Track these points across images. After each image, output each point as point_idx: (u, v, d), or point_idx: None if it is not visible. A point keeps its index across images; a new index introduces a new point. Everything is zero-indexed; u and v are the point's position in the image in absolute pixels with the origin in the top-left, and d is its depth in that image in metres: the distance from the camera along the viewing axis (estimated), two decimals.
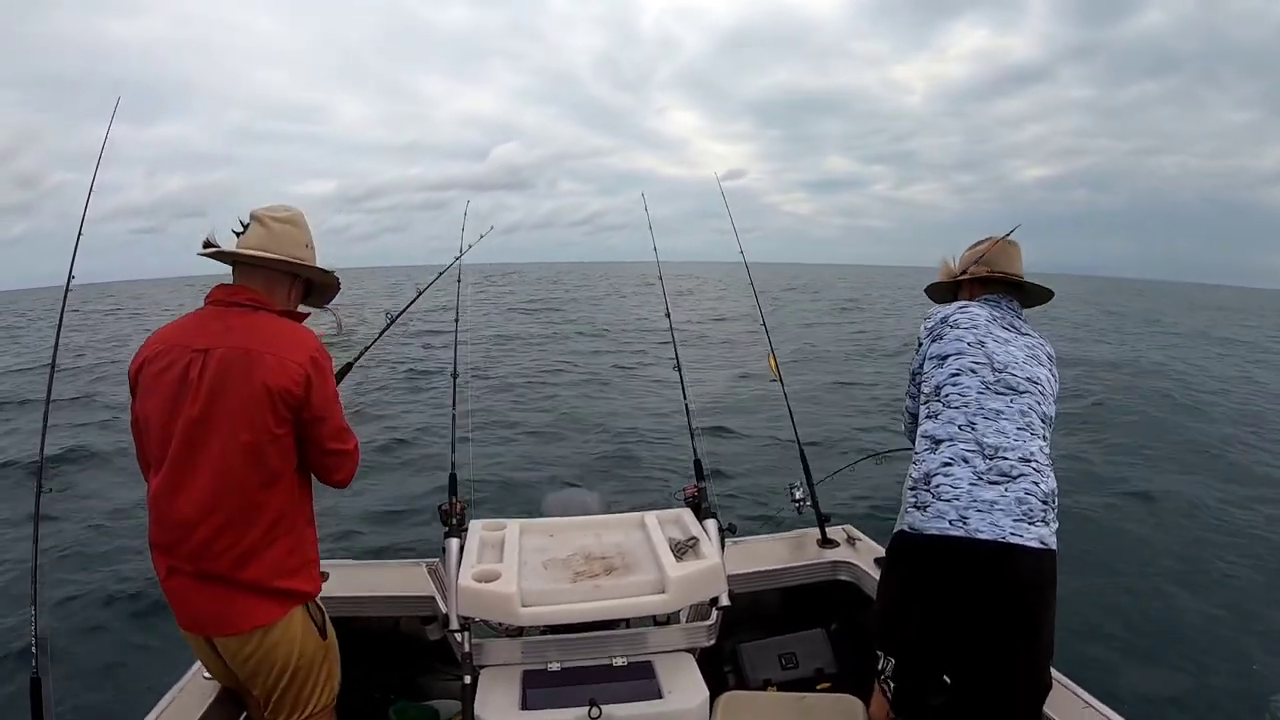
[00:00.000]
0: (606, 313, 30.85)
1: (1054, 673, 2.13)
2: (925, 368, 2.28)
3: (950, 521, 1.97)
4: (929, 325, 2.33)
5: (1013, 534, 1.92)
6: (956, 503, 1.98)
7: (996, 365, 2.14)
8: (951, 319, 2.27)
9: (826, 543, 3.13)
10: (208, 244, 2.03)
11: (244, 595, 1.97)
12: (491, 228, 3.65)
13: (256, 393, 1.90)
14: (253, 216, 2.04)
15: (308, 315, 2.18)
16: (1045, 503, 1.98)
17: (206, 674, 2.34)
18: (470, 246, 3.48)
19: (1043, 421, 2.11)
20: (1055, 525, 2.00)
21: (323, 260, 2.17)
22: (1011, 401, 2.09)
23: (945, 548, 1.97)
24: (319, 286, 2.23)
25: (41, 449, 2.52)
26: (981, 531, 1.93)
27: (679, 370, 3.42)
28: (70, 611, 5.46)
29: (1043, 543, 1.95)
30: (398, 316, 3.03)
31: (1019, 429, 2.06)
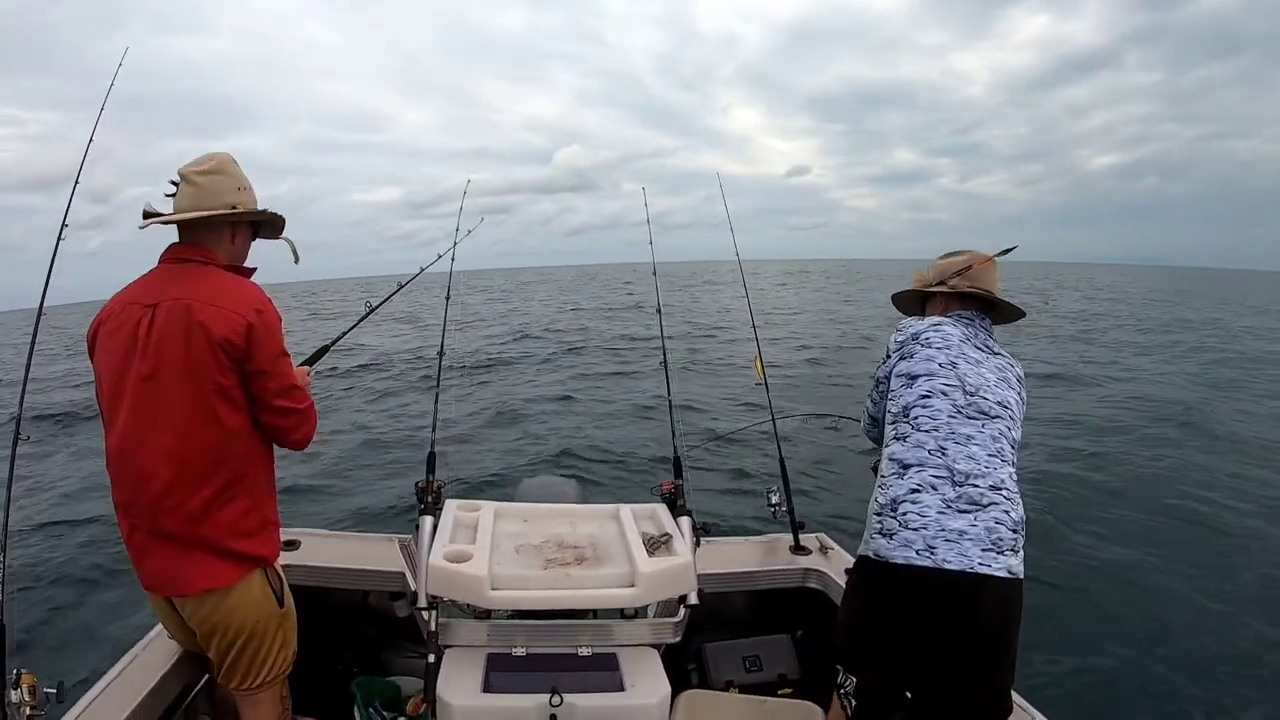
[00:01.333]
0: (699, 310, 30.61)
1: (1014, 697, 2.15)
2: (893, 385, 2.21)
3: (917, 551, 1.93)
4: (899, 339, 2.26)
5: (981, 564, 1.89)
6: (924, 532, 1.94)
7: (969, 388, 2.08)
8: (923, 336, 2.20)
9: (799, 549, 3.15)
10: (147, 214, 2.03)
11: (200, 555, 1.97)
12: (483, 219, 3.72)
13: (199, 343, 1.89)
14: (180, 175, 2.03)
15: (254, 271, 2.17)
16: (1015, 531, 1.95)
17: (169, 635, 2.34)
18: (455, 244, 3.51)
19: (1012, 447, 2.07)
20: (1022, 553, 1.97)
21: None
22: (983, 426, 2.04)
23: (910, 577, 1.94)
24: (267, 223, 2.22)
25: (21, 399, 2.50)
26: (949, 562, 1.90)
27: (665, 366, 3.43)
28: (39, 567, 5.45)
29: (1010, 572, 1.91)
30: (377, 306, 3.03)
31: (990, 455, 2.01)
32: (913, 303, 2.50)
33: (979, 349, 2.19)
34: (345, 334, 2.98)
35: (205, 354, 1.89)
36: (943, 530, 1.93)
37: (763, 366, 3.52)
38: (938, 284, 2.37)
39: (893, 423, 2.16)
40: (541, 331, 23.11)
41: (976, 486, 1.96)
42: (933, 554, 1.91)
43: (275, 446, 2.15)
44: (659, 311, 3.65)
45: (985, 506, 1.94)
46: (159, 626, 2.38)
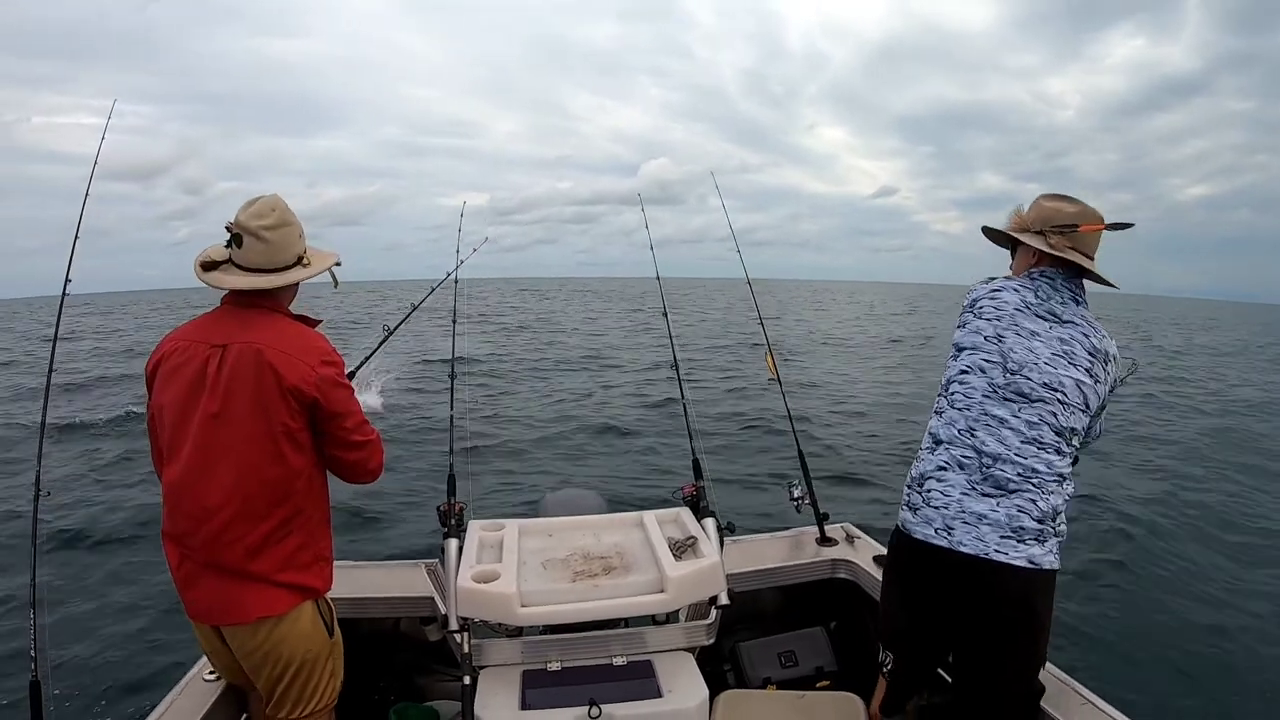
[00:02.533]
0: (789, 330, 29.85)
1: (1052, 670, 2.13)
2: (948, 355, 2.13)
3: (936, 530, 1.93)
4: (964, 305, 2.14)
5: (997, 551, 1.86)
6: (945, 511, 1.93)
7: (1010, 366, 1.96)
8: (979, 304, 2.07)
9: (825, 541, 3.13)
10: (206, 265, 2.03)
11: (254, 585, 1.99)
12: (486, 239, 3.72)
13: (269, 387, 1.93)
14: (244, 230, 2.00)
15: (319, 322, 2.19)
16: (1041, 521, 1.88)
17: (208, 675, 2.34)
18: (463, 261, 3.52)
19: (1057, 434, 1.93)
20: (1054, 543, 1.91)
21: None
22: (1020, 410, 1.93)
23: (929, 554, 1.94)
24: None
25: (39, 449, 2.51)
26: (964, 545, 1.88)
27: (676, 370, 3.43)
28: (72, 614, 5.46)
29: (1031, 562, 1.86)
30: (395, 328, 3.05)
31: (1024, 441, 1.92)
32: (1004, 241, 2.26)
33: (1042, 316, 2.00)
34: (367, 359, 2.99)
35: (275, 397, 1.93)
36: (963, 512, 1.91)
37: (774, 363, 3.52)
38: (1036, 231, 2.09)
39: (937, 397, 2.11)
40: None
41: (1004, 472, 1.90)
42: (950, 535, 1.91)
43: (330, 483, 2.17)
44: (665, 315, 3.65)
45: (1010, 493, 1.89)
46: (194, 669, 2.38)
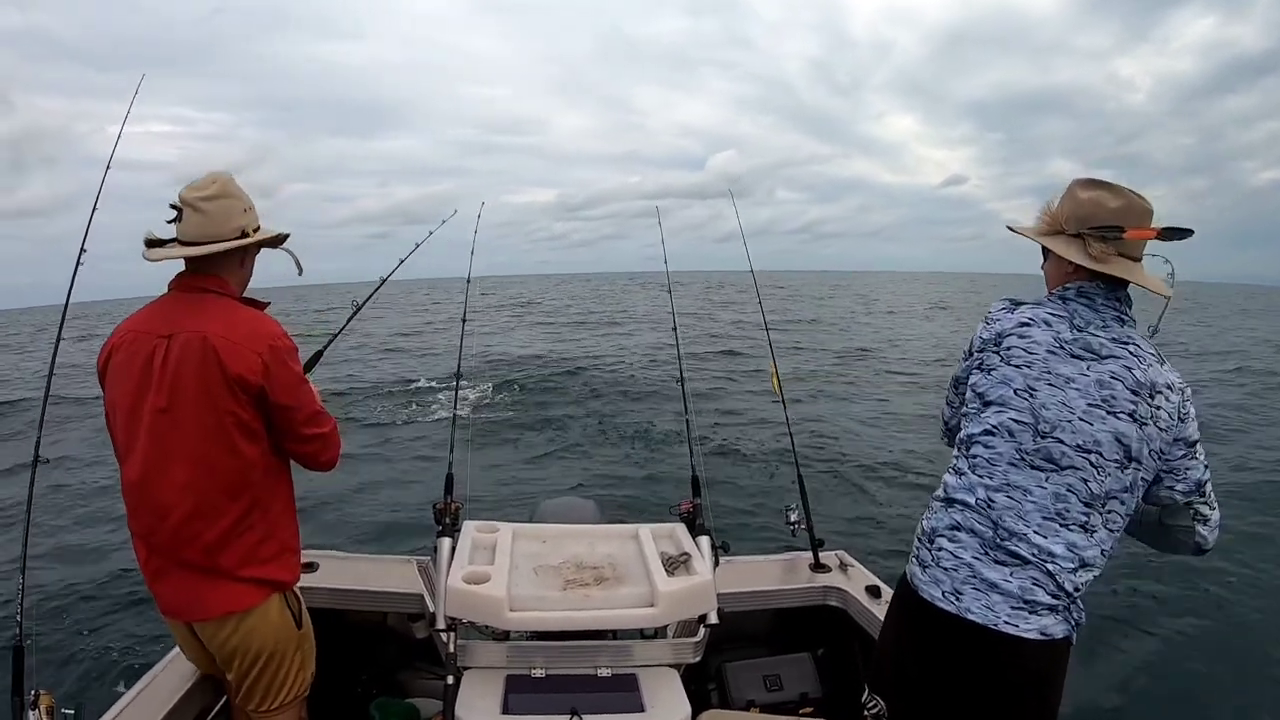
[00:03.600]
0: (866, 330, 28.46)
1: None
2: (967, 398, 1.90)
3: (944, 593, 1.79)
4: (983, 337, 1.88)
5: (1008, 623, 1.71)
6: (955, 574, 1.78)
7: (1042, 427, 1.73)
8: (1005, 344, 1.81)
9: (819, 567, 3.12)
10: (150, 242, 2.00)
11: (219, 581, 1.98)
12: (430, 232, 3.51)
13: (215, 377, 1.89)
14: (183, 202, 1.98)
15: (268, 305, 2.15)
16: (1056, 596, 1.71)
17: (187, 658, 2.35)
18: (473, 254, 3.51)
19: (1087, 505, 1.71)
20: (1071, 615, 1.75)
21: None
22: (1047, 479, 1.72)
23: (935, 616, 1.81)
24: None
25: (40, 422, 2.51)
26: (972, 613, 1.74)
27: (682, 384, 3.42)
28: (57, 590, 5.48)
29: (1043, 634, 1.71)
30: (362, 305, 3.01)
31: (1046, 518, 1.72)
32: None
33: (1078, 355, 1.74)
34: (334, 338, 2.98)
35: (221, 388, 1.89)
36: (974, 577, 1.76)
37: (779, 381, 3.50)
38: (1074, 234, 1.77)
39: (956, 449, 1.91)
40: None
41: (1019, 549, 1.73)
42: (958, 600, 1.76)
43: (293, 470, 2.15)
44: (674, 330, 3.64)
45: (1026, 563, 1.73)
46: (176, 649, 2.38)
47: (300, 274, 2.31)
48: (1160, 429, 1.71)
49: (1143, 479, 1.74)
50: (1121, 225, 1.70)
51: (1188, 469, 1.77)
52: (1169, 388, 1.72)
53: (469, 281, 3.58)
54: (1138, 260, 1.77)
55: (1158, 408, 1.70)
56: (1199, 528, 1.82)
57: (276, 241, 2.22)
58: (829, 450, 9.38)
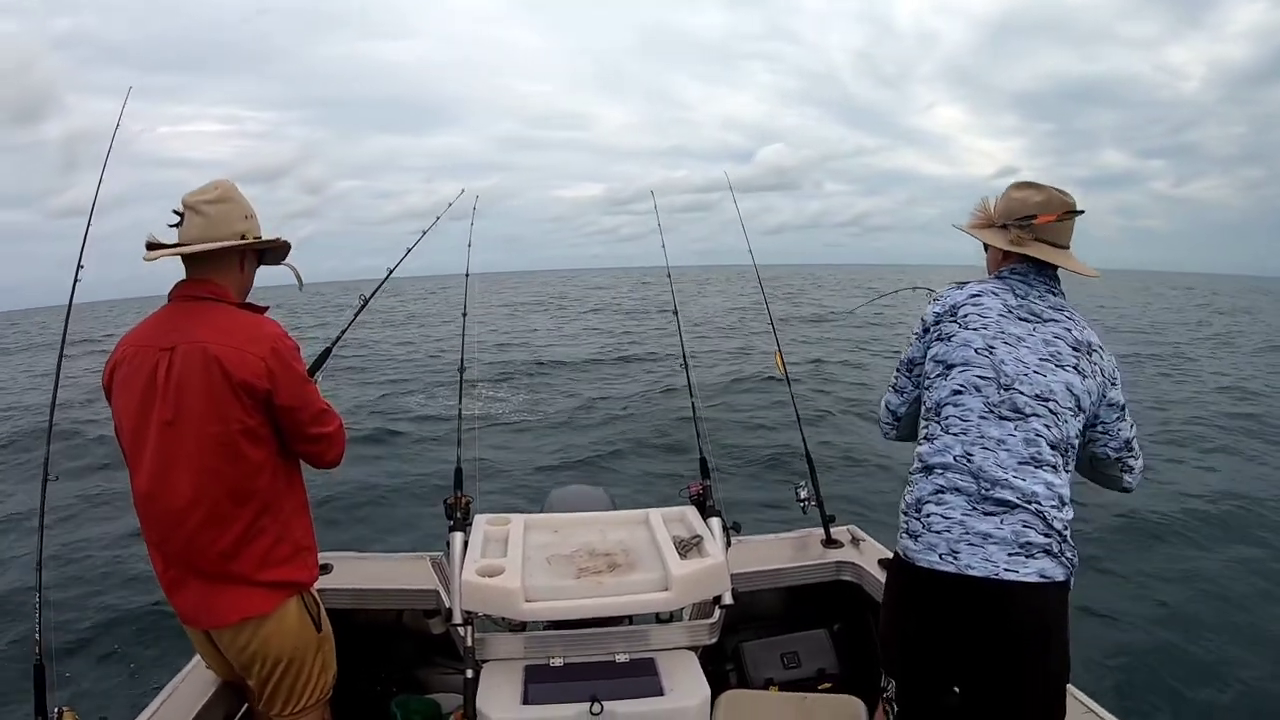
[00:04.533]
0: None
1: (1075, 694, 2.06)
2: (929, 370, 2.01)
3: (940, 555, 1.83)
4: (936, 311, 2.03)
5: (1007, 570, 1.77)
6: (948, 534, 1.84)
7: (1003, 380, 1.87)
8: (961, 312, 1.97)
9: (830, 543, 3.12)
10: (150, 245, 2.01)
11: (235, 587, 1.98)
12: (437, 219, 3.57)
13: (219, 387, 1.89)
14: (185, 205, 2.00)
15: (267, 308, 2.15)
16: (1048, 535, 1.80)
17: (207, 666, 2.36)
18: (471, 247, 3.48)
19: (1053, 448, 1.84)
20: (1065, 555, 1.81)
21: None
22: (1016, 428, 1.85)
23: (937, 582, 1.84)
24: (271, 248, 2.21)
25: (49, 437, 2.51)
26: (973, 568, 1.79)
27: (686, 368, 3.42)
28: (77, 603, 5.49)
29: (1043, 575, 1.78)
30: (370, 298, 3.00)
31: (1021, 462, 1.83)
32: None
33: (1024, 318, 1.93)
34: (343, 333, 2.95)
35: (227, 397, 1.90)
36: (967, 533, 1.82)
37: (784, 363, 3.50)
38: (1000, 226, 2.04)
39: (924, 418, 2.00)
40: None
41: (1004, 495, 1.82)
42: (956, 559, 1.81)
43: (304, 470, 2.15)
44: (675, 313, 3.64)
45: (1013, 508, 1.81)
46: (196, 659, 2.39)
47: (300, 289, 2.30)
48: (1097, 382, 1.91)
49: (1083, 429, 1.93)
50: (1034, 215, 1.96)
51: (1119, 429, 1.98)
52: (1100, 348, 1.94)
53: (467, 275, 3.56)
54: (1064, 248, 2.01)
55: (1095, 363, 1.91)
56: (1125, 476, 2.06)
57: (278, 253, 2.23)
58: (840, 428, 9.40)
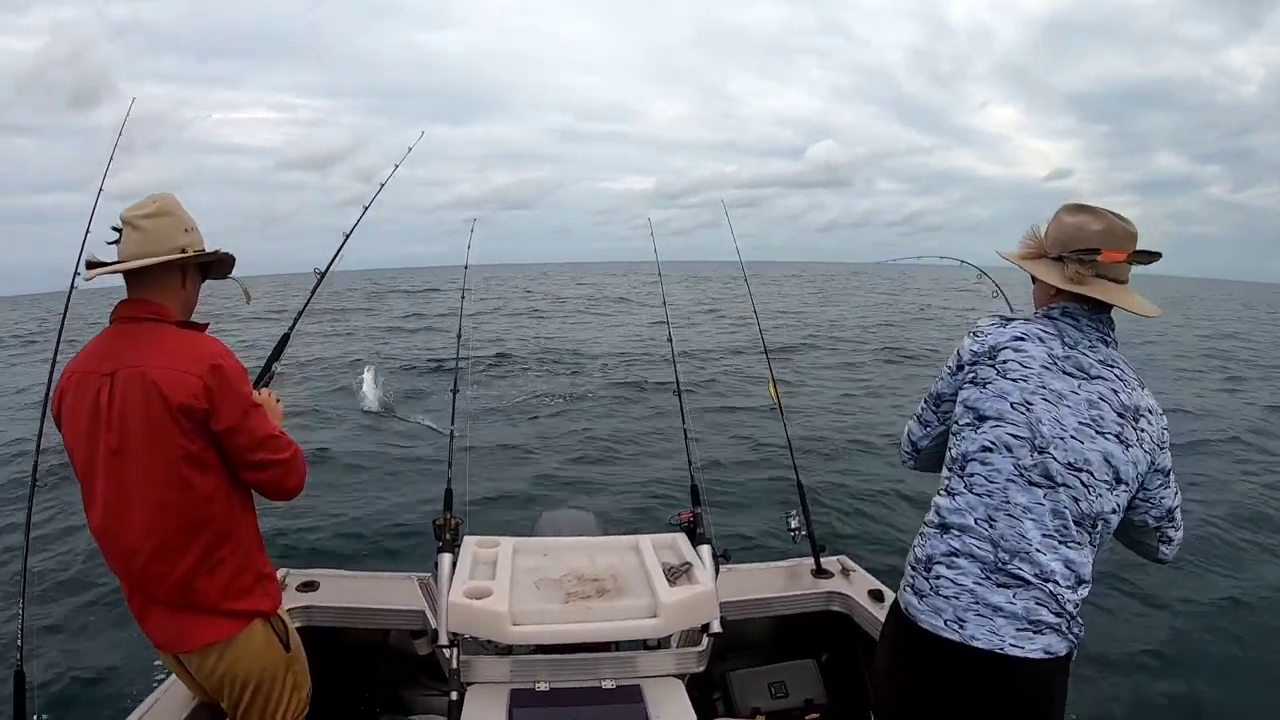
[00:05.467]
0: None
1: None
2: (958, 414, 1.86)
3: (945, 621, 1.75)
4: (974, 350, 1.85)
5: (1013, 645, 1.69)
6: (956, 601, 1.75)
7: (1038, 443, 1.72)
8: (1000, 358, 1.79)
9: (821, 573, 3.12)
10: (90, 264, 1.97)
11: (198, 615, 1.95)
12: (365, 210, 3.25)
13: (158, 412, 1.83)
14: (123, 221, 1.94)
15: (206, 326, 2.08)
16: (1059, 615, 1.71)
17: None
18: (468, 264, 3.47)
19: (1079, 524, 1.71)
20: (1072, 631, 1.74)
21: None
22: (1045, 497, 1.71)
23: (937, 646, 1.77)
24: (216, 262, 2.14)
25: (38, 441, 2.51)
26: (978, 640, 1.71)
27: (679, 396, 3.43)
28: (58, 612, 5.44)
29: (1047, 652, 1.70)
30: (325, 273, 2.87)
31: (1045, 535, 1.71)
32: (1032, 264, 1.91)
33: (1070, 373, 1.75)
34: (300, 315, 2.81)
35: (167, 422, 1.84)
36: (976, 603, 1.73)
37: (777, 391, 3.51)
38: (1055, 257, 1.81)
39: (948, 468, 1.86)
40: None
41: (1021, 570, 1.71)
42: (961, 628, 1.73)
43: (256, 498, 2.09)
44: (669, 341, 3.65)
45: (1028, 585, 1.71)
46: (173, 675, 2.38)
47: (248, 302, 2.25)
48: (1145, 451, 1.74)
49: (1124, 502, 1.76)
50: (1099, 248, 1.74)
51: (1162, 498, 1.82)
52: (1150, 411, 1.76)
53: (466, 267, 3.52)
54: (1123, 283, 1.79)
55: (1142, 430, 1.74)
56: (1162, 547, 1.89)
57: (224, 267, 2.16)
58: (833, 453, 9.39)
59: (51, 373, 2.53)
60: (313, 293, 2.88)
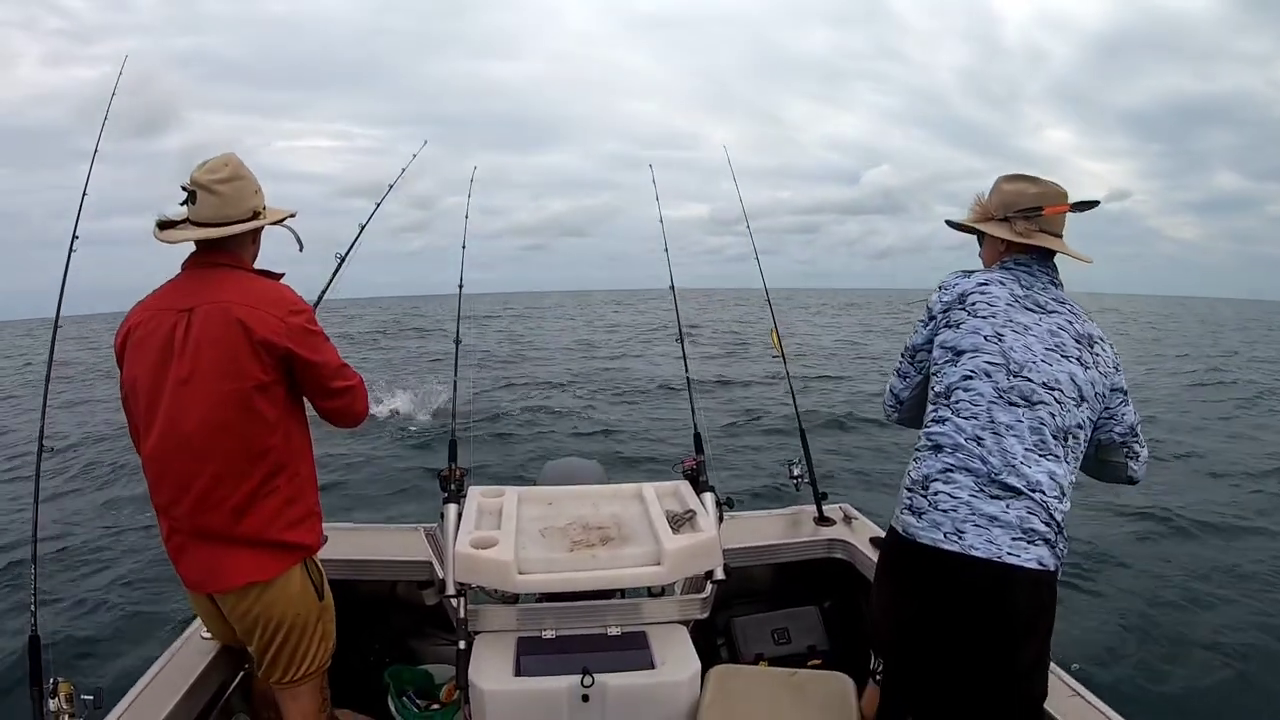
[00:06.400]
0: None
1: (1058, 673, 2.11)
2: (936, 356, 2.01)
3: (945, 534, 1.83)
4: (944, 300, 2.03)
5: (1010, 553, 1.79)
6: (954, 514, 1.84)
7: (1012, 367, 1.88)
8: (969, 300, 1.98)
9: (823, 520, 3.14)
10: (164, 224, 2.03)
11: (242, 550, 1.99)
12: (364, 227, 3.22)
13: (239, 343, 1.92)
14: (196, 184, 2.01)
15: (282, 275, 2.19)
16: (1048, 525, 1.82)
17: (204, 634, 2.37)
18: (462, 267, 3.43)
19: (1056, 438, 1.85)
20: (1059, 546, 1.84)
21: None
22: (1023, 415, 1.85)
23: (937, 559, 1.84)
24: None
25: (43, 409, 2.51)
26: (976, 549, 1.80)
27: (681, 342, 3.42)
28: (72, 576, 5.51)
29: (1040, 563, 1.80)
30: (346, 256, 2.87)
31: (1027, 450, 1.84)
32: (973, 230, 2.18)
33: (1030, 308, 1.95)
34: (324, 294, 2.84)
35: (247, 353, 1.93)
36: (974, 514, 1.82)
37: (779, 339, 3.51)
38: (1001, 219, 2.04)
39: (934, 403, 1.98)
40: None
41: (1011, 481, 1.82)
42: (960, 538, 1.81)
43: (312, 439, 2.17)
44: (672, 289, 3.63)
45: (1019, 495, 1.82)
46: (192, 627, 2.41)
47: (300, 249, 2.28)
48: (1101, 373, 1.93)
49: (1090, 418, 1.92)
50: (1040, 206, 1.99)
51: (1123, 414, 1.99)
52: (1101, 339, 1.97)
53: (460, 286, 3.51)
54: (1059, 236, 2.04)
55: (1097, 355, 1.94)
56: (1130, 463, 2.04)
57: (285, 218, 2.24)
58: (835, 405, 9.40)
59: (50, 375, 2.53)
60: (334, 276, 2.93)
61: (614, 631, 2.34)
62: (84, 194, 2.53)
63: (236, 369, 1.93)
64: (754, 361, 18.08)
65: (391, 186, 3.29)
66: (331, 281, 2.90)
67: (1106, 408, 1.96)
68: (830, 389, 14.59)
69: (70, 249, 2.48)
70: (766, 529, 3.10)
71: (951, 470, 1.88)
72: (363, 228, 3.04)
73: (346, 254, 2.93)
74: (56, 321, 2.50)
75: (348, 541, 2.91)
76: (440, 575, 2.41)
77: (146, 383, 1.97)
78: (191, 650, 2.38)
